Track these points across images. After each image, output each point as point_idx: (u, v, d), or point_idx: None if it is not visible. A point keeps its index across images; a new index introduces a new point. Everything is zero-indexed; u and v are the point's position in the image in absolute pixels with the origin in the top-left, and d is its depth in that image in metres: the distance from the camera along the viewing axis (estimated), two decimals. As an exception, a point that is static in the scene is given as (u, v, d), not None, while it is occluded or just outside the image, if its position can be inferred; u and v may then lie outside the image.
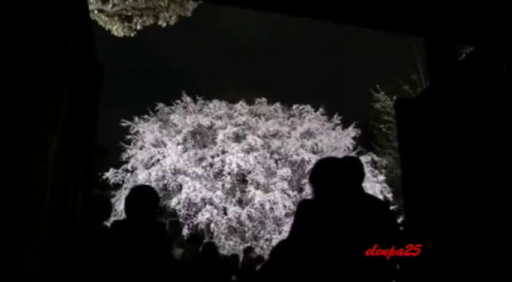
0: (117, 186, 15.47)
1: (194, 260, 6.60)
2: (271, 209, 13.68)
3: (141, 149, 15.72)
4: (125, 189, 14.65)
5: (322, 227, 2.14)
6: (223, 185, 14.57)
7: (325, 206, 2.23)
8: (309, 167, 14.90)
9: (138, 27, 9.75)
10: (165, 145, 15.49)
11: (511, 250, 1.95)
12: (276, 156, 15.44)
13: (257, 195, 13.89)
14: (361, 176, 2.57)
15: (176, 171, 14.82)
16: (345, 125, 16.65)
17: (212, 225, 14.04)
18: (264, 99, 17.40)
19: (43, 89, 1.49)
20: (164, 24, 9.89)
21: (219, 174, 15.01)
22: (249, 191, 14.34)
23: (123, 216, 2.94)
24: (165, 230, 3.01)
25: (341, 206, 2.21)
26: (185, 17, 10.15)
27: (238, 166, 14.44)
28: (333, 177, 2.31)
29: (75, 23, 1.68)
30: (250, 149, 15.00)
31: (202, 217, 13.91)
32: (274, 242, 12.42)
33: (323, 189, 2.31)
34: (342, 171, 2.35)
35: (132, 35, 9.87)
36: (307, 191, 14.64)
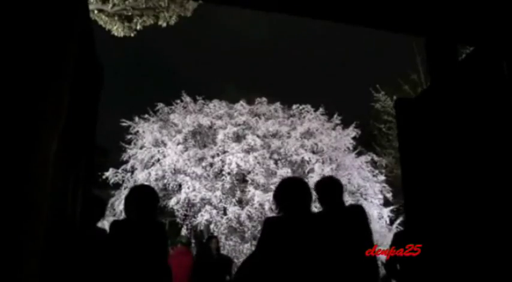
0: (117, 185, 15.48)
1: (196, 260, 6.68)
2: (271, 209, 13.65)
3: (141, 148, 15.72)
4: (125, 188, 14.64)
5: (285, 241, 2.41)
6: (222, 185, 14.56)
7: (288, 222, 2.51)
8: (309, 166, 14.91)
9: (138, 27, 9.75)
10: (165, 145, 15.48)
11: (511, 250, 1.95)
12: (275, 156, 15.43)
13: (257, 195, 13.88)
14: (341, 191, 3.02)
15: (176, 171, 14.81)
16: (345, 125, 16.63)
17: (212, 226, 14.04)
18: (264, 99, 17.40)
19: (43, 89, 1.49)
20: (164, 24, 9.89)
21: (218, 174, 15.00)
22: (249, 191, 14.34)
23: (123, 216, 2.94)
24: (164, 230, 3.01)
25: (302, 222, 2.50)
26: (185, 17, 10.15)
27: (238, 166, 14.43)
28: (295, 195, 2.60)
29: (75, 23, 1.68)
30: (250, 149, 14.99)
31: (202, 218, 13.90)
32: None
33: (286, 206, 2.60)
34: (302, 190, 2.66)
35: (132, 35, 9.87)
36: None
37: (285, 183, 2.79)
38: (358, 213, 3.63)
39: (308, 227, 2.50)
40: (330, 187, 3.14)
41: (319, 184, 3.23)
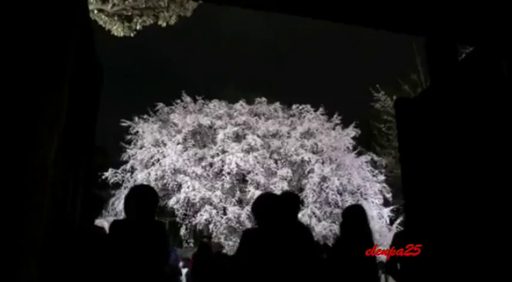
0: (117, 186, 15.48)
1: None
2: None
3: (140, 148, 15.72)
4: (125, 188, 14.65)
5: (261, 249, 2.75)
6: (222, 184, 14.56)
7: (264, 233, 2.85)
8: (309, 167, 14.91)
9: (138, 27, 9.73)
10: (164, 145, 15.49)
11: (511, 250, 1.95)
12: (275, 156, 15.44)
13: (256, 195, 13.87)
14: (298, 207, 3.23)
15: (176, 171, 14.82)
16: (344, 124, 16.66)
17: (211, 226, 14.04)
18: (264, 99, 17.42)
19: (43, 89, 1.49)
20: (164, 24, 9.87)
21: (218, 174, 15.01)
22: (249, 191, 14.35)
23: (123, 215, 2.94)
24: (165, 230, 3.01)
25: (276, 233, 2.82)
26: (185, 17, 10.14)
27: (238, 166, 14.44)
28: (271, 209, 2.90)
29: (75, 23, 1.68)
30: (250, 149, 15.00)
31: (201, 217, 13.90)
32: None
33: (263, 219, 2.91)
34: (279, 205, 2.97)
35: (132, 35, 9.85)
36: (307, 191, 14.65)
37: (259, 199, 3.14)
38: (356, 214, 3.65)
39: (280, 237, 2.85)
40: (293, 203, 3.42)
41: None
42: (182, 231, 14.75)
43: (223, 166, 14.67)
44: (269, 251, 2.73)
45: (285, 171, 14.73)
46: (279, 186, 14.29)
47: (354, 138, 16.39)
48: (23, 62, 1.49)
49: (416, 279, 2.86)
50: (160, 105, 16.85)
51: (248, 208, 14.02)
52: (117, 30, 9.60)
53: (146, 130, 15.96)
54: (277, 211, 2.92)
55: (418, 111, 2.78)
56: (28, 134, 1.42)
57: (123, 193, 14.21)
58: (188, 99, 16.93)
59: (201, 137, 16.37)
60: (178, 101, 16.95)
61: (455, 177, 2.36)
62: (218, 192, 14.33)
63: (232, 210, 14.20)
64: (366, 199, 15.06)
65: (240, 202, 14.88)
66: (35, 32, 1.54)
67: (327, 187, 14.60)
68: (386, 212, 15.15)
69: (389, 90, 16.70)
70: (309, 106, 17.01)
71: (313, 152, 15.42)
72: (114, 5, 9.34)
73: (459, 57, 2.68)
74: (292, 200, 3.37)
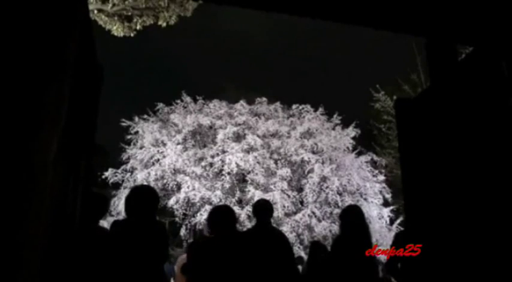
0: (117, 185, 15.48)
1: None
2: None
3: (140, 148, 15.72)
4: (124, 188, 14.64)
5: (210, 258, 3.11)
6: (222, 184, 14.55)
7: (214, 242, 3.23)
8: (309, 167, 14.90)
9: (138, 27, 9.75)
10: (164, 145, 15.49)
11: (511, 250, 1.95)
12: (275, 156, 15.43)
13: (256, 195, 13.86)
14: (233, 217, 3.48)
15: (175, 171, 14.81)
16: (344, 124, 16.63)
17: (212, 226, 14.01)
18: (264, 98, 17.40)
19: (43, 89, 1.49)
20: (164, 24, 9.88)
21: (218, 174, 15.00)
22: (249, 191, 14.33)
23: (123, 215, 2.95)
24: (165, 230, 3.01)
25: (227, 242, 3.19)
26: (185, 17, 10.15)
27: (238, 166, 14.43)
28: (219, 221, 3.30)
29: (74, 23, 1.68)
30: (250, 149, 14.99)
31: (201, 217, 13.90)
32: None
33: (213, 229, 3.32)
34: (226, 216, 3.35)
35: (132, 35, 9.86)
36: (307, 191, 14.64)
37: (212, 211, 3.50)
38: (355, 215, 3.66)
39: (232, 245, 3.18)
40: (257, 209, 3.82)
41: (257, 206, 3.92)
42: (182, 231, 14.74)
43: (223, 166, 14.66)
44: (219, 259, 3.10)
45: (285, 171, 14.72)
46: (278, 186, 14.29)
47: (354, 138, 16.37)
48: (22, 61, 1.49)
49: (416, 279, 2.86)
50: (160, 105, 16.85)
51: (248, 208, 14.01)
52: (117, 30, 9.61)
53: (146, 130, 15.96)
54: (214, 224, 3.35)
55: (418, 111, 2.78)
56: (28, 133, 1.42)
57: (123, 193, 14.20)
58: (188, 99, 16.93)
59: (201, 137, 16.36)
60: (178, 101, 16.95)
61: (455, 178, 2.36)
62: (218, 192, 14.32)
63: (232, 210, 14.18)
64: (365, 199, 15.06)
65: (240, 202, 14.86)
66: (35, 31, 1.54)
67: (326, 187, 14.59)
68: (386, 212, 15.14)
69: (389, 90, 16.70)
70: (308, 106, 17.00)
71: (313, 152, 15.41)
72: (114, 5, 9.35)
73: (459, 58, 2.68)
74: (224, 212, 3.56)
